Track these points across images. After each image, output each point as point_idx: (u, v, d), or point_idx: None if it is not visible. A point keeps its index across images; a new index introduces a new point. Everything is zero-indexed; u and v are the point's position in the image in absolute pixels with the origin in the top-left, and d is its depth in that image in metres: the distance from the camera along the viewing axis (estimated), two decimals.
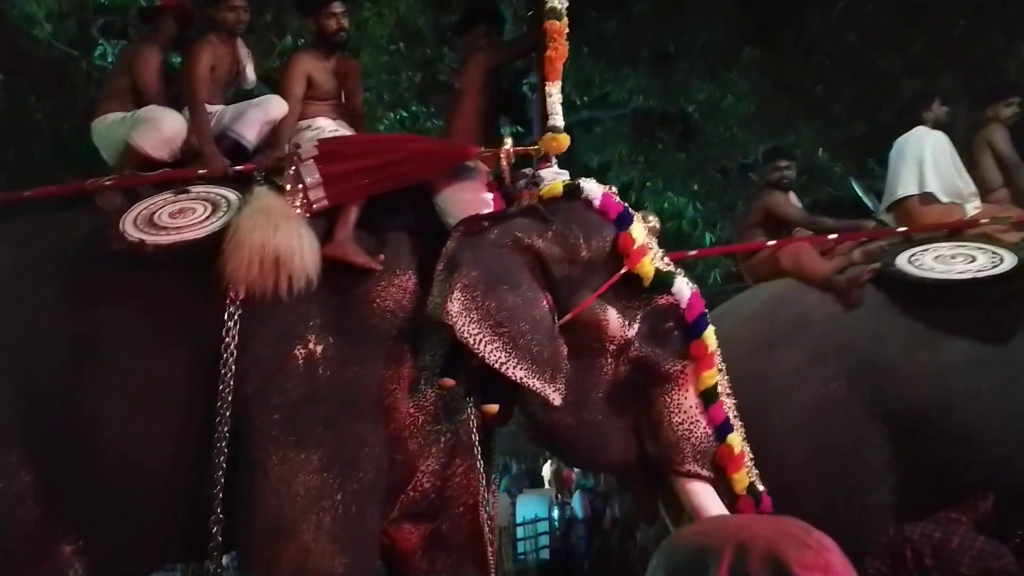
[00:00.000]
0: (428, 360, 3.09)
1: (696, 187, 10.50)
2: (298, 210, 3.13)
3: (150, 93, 3.57)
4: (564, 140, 3.34)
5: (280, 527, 2.88)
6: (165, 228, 3.09)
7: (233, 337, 2.92)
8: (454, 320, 2.87)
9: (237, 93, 3.94)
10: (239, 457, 2.93)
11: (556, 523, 10.71)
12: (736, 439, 3.16)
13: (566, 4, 3.43)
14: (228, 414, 2.89)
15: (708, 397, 3.16)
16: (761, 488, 3.19)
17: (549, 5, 3.39)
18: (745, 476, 3.14)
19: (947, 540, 3.02)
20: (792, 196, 4.97)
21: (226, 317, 2.93)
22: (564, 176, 3.34)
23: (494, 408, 3.10)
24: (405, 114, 9.24)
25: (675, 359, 3.16)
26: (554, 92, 3.37)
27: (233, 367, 2.90)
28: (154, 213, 3.15)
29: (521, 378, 2.90)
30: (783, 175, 4.93)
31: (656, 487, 3.25)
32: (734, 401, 3.27)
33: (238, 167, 3.41)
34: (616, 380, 3.15)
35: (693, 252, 5.64)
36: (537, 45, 3.54)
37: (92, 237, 3.15)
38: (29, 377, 2.97)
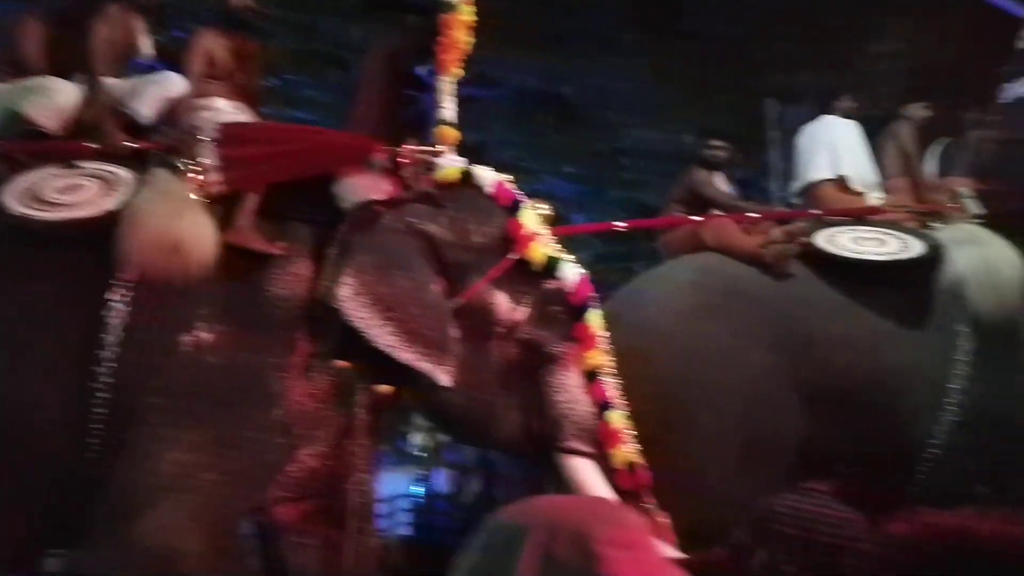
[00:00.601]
0: (323, 346, 3.13)
1: (572, 170, 10.64)
2: (196, 193, 3.06)
3: (34, 64, 3.45)
4: (452, 134, 3.45)
5: (140, 501, 2.84)
6: (53, 204, 2.96)
7: (119, 321, 2.86)
8: (344, 304, 2.96)
9: (132, 69, 3.75)
10: (116, 439, 2.92)
11: (418, 500, 10.73)
12: (616, 416, 3.37)
13: None
14: (106, 398, 2.86)
15: (591, 376, 3.36)
16: (639, 462, 3.37)
17: None
18: (623, 451, 3.34)
19: (807, 510, 3.13)
20: (720, 177, 5.11)
21: (115, 300, 2.87)
22: (460, 163, 3.43)
23: (388, 389, 3.20)
24: (279, 82, 8.89)
25: (561, 341, 3.33)
26: (445, 85, 3.47)
27: (117, 351, 2.85)
28: (39, 187, 3.01)
29: (410, 360, 3.01)
30: (713, 154, 5.06)
31: (543, 462, 3.41)
32: (667, 373, 3.62)
33: (134, 144, 3.29)
34: (505, 361, 3.31)
35: (622, 224, 5.70)
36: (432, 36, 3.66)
37: None
38: None
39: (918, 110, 5.45)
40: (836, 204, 4.90)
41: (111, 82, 3.46)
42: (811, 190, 5.10)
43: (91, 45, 3.35)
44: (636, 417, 3.94)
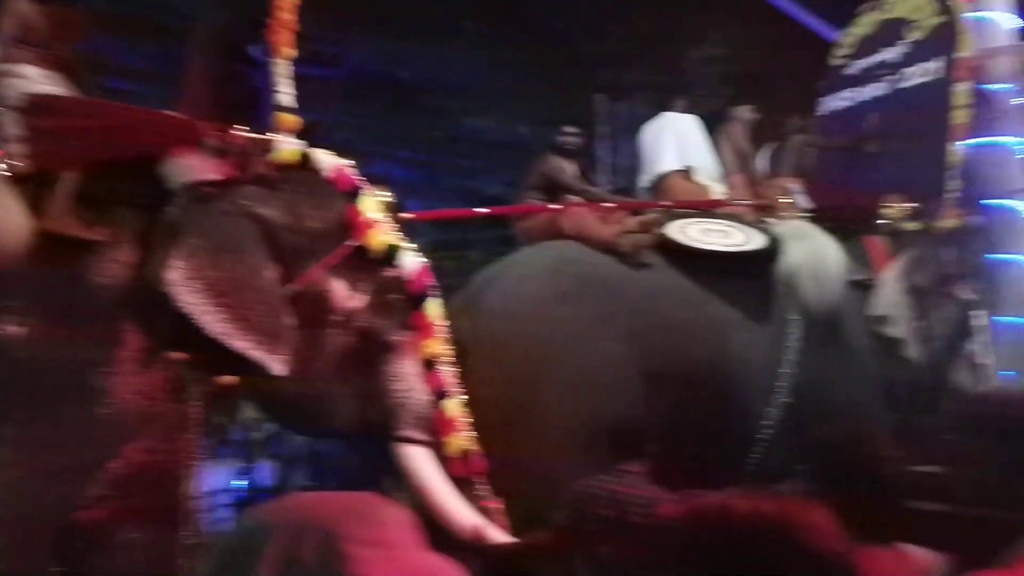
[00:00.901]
0: (154, 336, 2.92)
1: (407, 155, 10.54)
2: (2, 170, 2.76)
3: None
4: (290, 120, 3.28)
5: None
6: None
7: None
8: (174, 289, 2.79)
9: None
10: None
11: (240, 493, 10.32)
12: (452, 405, 3.34)
13: None
14: None
15: (428, 365, 3.32)
16: (473, 449, 3.37)
17: None
18: (459, 439, 3.32)
19: (619, 490, 3.21)
20: (573, 165, 5.11)
21: None
22: (297, 145, 3.28)
23: (232, 380, 3.04)
24: (94, 48, 8.21)
25: (398, 330, 3.27)
26: (278, 67, 3.30)
27: None
28: None
29: (245, 349, 2.86)
30: (567, 141, 5.02)
31: (379, 452, 3.34)
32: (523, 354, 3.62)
33: None
34: (341, 350, 3.19)
35: (483, 210, 5.61)
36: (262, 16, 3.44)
37: None
38: None
39: (746, 112, 5.80)
40: (684, 195, 5.10)
41: None
42: (660, 182, 5.29)
43: None
44: (491, 400, 3.96)
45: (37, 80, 3.13)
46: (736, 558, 1.00)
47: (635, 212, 4.95)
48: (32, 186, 2.83)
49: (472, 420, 3.84)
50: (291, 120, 3.29)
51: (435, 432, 3.29)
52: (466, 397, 3.57)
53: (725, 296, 4.36)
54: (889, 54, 6.17)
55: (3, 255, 2.67)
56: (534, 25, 10.73)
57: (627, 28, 10.95)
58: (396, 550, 0.83)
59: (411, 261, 3.33)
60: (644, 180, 5.46)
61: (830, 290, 4.55)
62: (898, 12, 6.20)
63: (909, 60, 6.00)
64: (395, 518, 0.87)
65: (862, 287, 4.74)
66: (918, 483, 1.69)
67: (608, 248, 4.44)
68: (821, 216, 5.08)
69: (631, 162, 7.10)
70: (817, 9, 8.78)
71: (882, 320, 4.70)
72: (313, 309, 3.11)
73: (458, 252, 7.44)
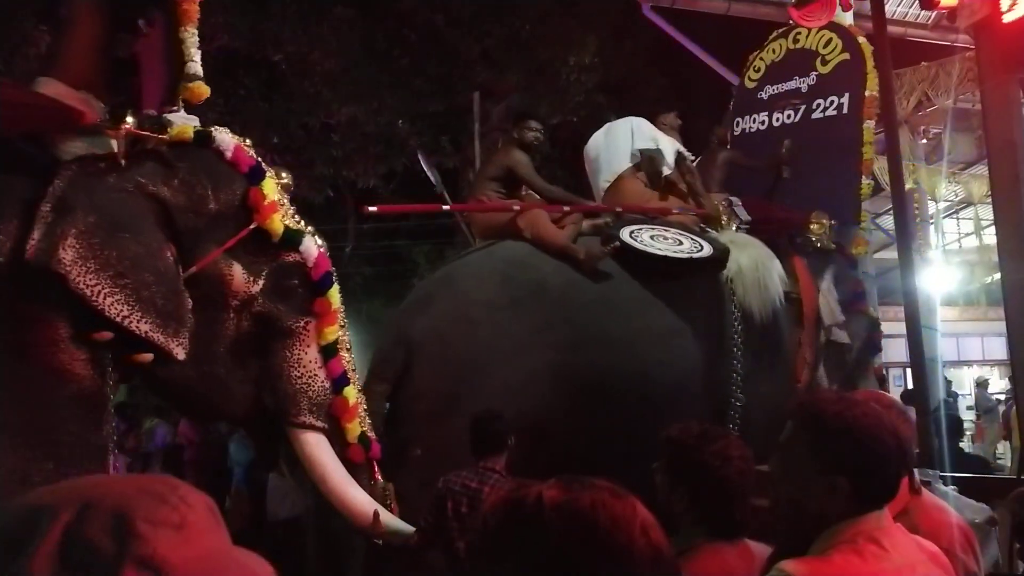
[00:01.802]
0: (60, 317, 2.69)
1: (276, 139, 10.24)
2: None
3: None
4: (203, 89, 3.10)
5: None
6: None
7: None
8: (67, 269, 2.60)
9: None
10: None
11: None
12: (351, 391, 3.30)
13: None
14: None
15: (328, 352, 3.26)
16: (371, 435, 3.37)
17: None
18: (357, 425, 3.30)
19: (480, 488, 3.23)
20: (531, 159, 5.01)
21: None
22: (193, 121, 3.09)
23: (147, 357, 2.83)
24: None
25: (298, 315, 3.21)
26: (189, 36, 3.09)
27: None
28: None
29: (145, 332, 2.74)
30: (534, 136, 4.93)
31: (275, 438, 3.30)
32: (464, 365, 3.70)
33: None
34: (239, 334, 3.13)
35: (447, 206, 5.48)
36: None
37: None
38: None
39: (674, 119, 5.84)
40: (635, 198, 5.14)
41: None
42: (616, 183, 5.36)
43: None
44: (427, 392, 4.05)
45: None
46: (546, 549, 0.96)
47: (588, 214, 5.00)
48: None
49: (408, 409, 3.88)
50: (201, 89, 3.11)
51: (335, 418, 3.25)
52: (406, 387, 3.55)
53: (673, 303, 4.46)
54: (798, 83, 6.59)
55: None
56: (411, 19, 10.67)
57: (506, 30, 11.06)
58: (192, 531, 0.79)
59: (312, 246, 3.24)
60: (600, 181, 5.50)
61: (771, 298, 4.78)
62: (807, 43, 6.61)
63: (818, 92, 6.43)
64: (193, 500, 0.82)
65: (791, 300, 5.01)
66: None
67: (561, 253, 4.49)
68: (756, 228, 5.35)
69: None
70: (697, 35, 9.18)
71: (834, 326, 5.07)
72: (211, 292, 3.01)
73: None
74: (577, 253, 4.50)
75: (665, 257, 4.51)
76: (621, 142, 5.51)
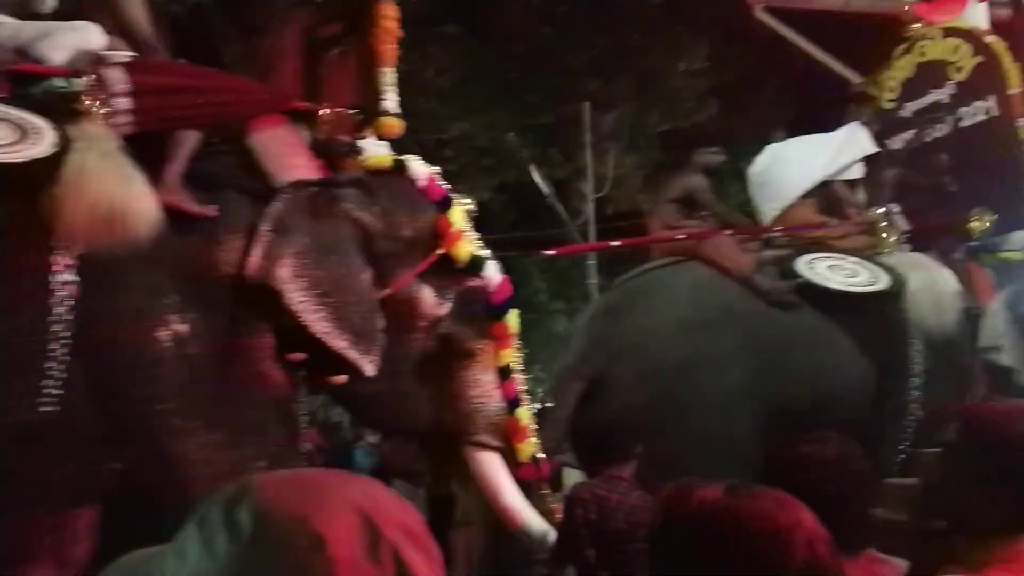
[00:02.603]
0: (273, 331, 2.92)
1: None
2: (112, 136, 2.64)
3: None
4: (398, 125, 3.32)
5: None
6: None
7: (70, 293, 2.49)
8: (284, 286, 2.80)
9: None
10: (135, 445, 2.62)
11: None
12: (524, 412, 3.45)
13: None
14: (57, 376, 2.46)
15: (503, 373, 3.41)
16: (541, 456, 3.51)
17: None
18: (529, 446, 3.43)
19: (609, 497, 3.28)
20: (709, 183, 5.20)
21: (57, 270, 2.48)
22: (384, 148, 3.33)
23: (342, 379, 3.06)
24: None
25: (478, 338, 3.36)
26: (386, 75, 3.32)
27: (73, 328, 2.48)
28: None
29: (343, 348, 2.91)
30: (710, 160, 5.11)
31: (450, 455, 3.46)
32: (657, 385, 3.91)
33: (22, 68, 2.80)
34: (424, 354, 3.29)
35: (616, 242, 5.72)
36: (354, 16, 3.46)
37: None
38: None
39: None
40: (810, 230, 5.19)
41: (18, 22, 2.95)
42: (787, 213, 5.42)
43: None
44: (629, 408, 4.19)
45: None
46: (703, 553, 0.96)
47: (757, 237, 5.15)
48: (143, 158, 2.73)
49: (614, 421, 4.05)
50: (395, 125, 3.33)
51: (507, 438, 3.38)
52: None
53: (852, 333, 4.57)
54: (937, 96, 6.39)
55: (138, 239, 2.55)
56: (518, 33, 10.80)
57: (614, 40, 11.05)
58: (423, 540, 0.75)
59: (494, 272, 3.43)
60: (768, 206, 5.56)
61: (949, 318, 4.76)
62: (934, 55, 6.41)
63: (960, 101, 6.19)
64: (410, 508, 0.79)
65: (971, 315, 4.90)
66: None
67: (745, 283, 4.62)
68: (919, 237, 5.27)
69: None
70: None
71: (992, 349, 4.90)
72: (402, 313, 3.19)
73: None
74: (760, 286, 4.63)
75: (846, 292, 4.64)
76: (792, 171, 5.52)
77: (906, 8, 6.84)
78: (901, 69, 6.72)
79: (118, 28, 3.05)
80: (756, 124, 13.18)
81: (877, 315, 4.68)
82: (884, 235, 5.19)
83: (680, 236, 4.91)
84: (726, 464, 3.60)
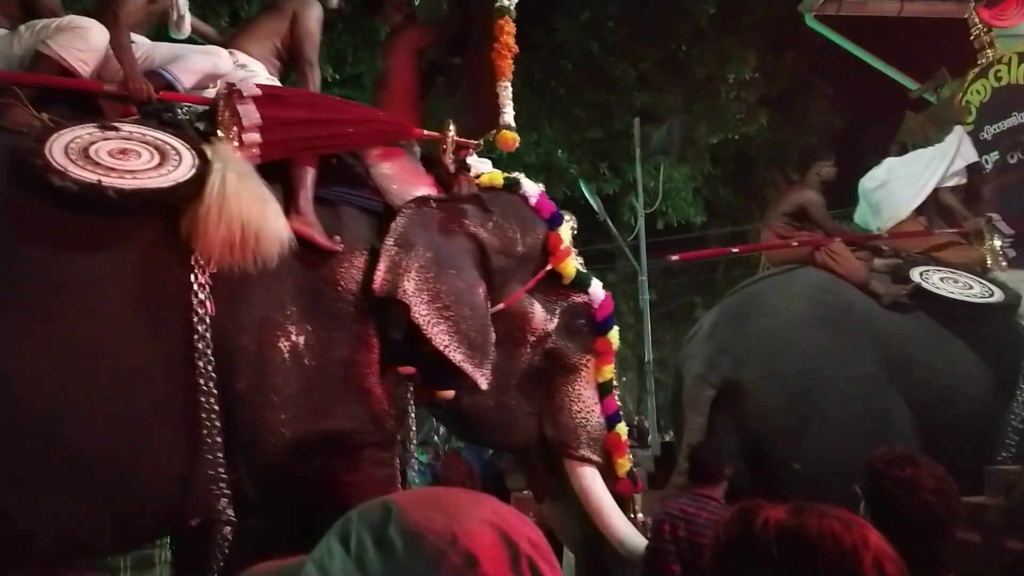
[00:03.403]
0: (380, 343, 3.00)
1: None
2: (247, 162, 2.78)
3: (46, 3, 2.99)
4: (515, 138, 3.37)
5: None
6: (111, 168, 2.58)
7: (206, 313, 2.59)
8: (410, 299, 2.88)
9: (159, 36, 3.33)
10: (239, 450, 2.71)
11: None
12: (623, 428, 3.52)
13: (515, 1, 3.43)
14: (213, 401, 2.58)
15: (604, 389, 3.48)
16: (637, 471, 3.62)
17: (498, 3, 3.39)
18: (627, 461, 3.51)
19: (698, 514, 3.28)
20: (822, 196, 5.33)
21: (196, 290, 2.59)
22: (486, 165, 3.44)
23: (450, 394, 3.13)
24: None
25: (582, 353, 3.42)
26: (503, 89, 3.39)
27: (209, 352, 2.58)
28: (87, 147, 2.63)
29: (460, 361, 2.96)
30: (827, 174, 5.24)
31: (549, 467, 3.49)
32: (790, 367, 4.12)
33: (165, 95, 2.94)
34: (530, 368, 3.35)
35: (735, 249, 5.92)
36: (466, 32, 3.60)
37: (16, 162, 2.53)
38: None
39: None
40: (919, 243, 5.25)
41: (140, 40, 3.08)
42: (897, 227, 5.50)
43: None
44: (766, 408, 4.33)
45: (261, 75, 3.16)
46: (769, 572, 0.97)
47: (866, 244, 5.26)
48: (274, 180, 2.87)
49: (754, 428, 4.19)
50: (513, 137, 3.37)
51: (607, 452, 3.44)
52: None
53: (968, 340, 4.67)
54: (1019, 118, 6.36)
55: (270, 257, 2.67)
56: (567, 49, 10.83)
57: (662, 52, 11.00)
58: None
59: (598, 288, 3.49)
60: (878, 220, 5.65)
61: None
62: (1011, 78, 6.41)
63: None
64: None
65: None
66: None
67: (862, 286, 4.75)
68: (1020, 241, 5.37)
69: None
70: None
71: None
72: (513, 328, 3.25)
73: None
74: (877, 288, 4.74)
75: (962, 301, 4.75)
76: (904, 187, 5.57)
77: (967, 15, 6.71)
78: (977, 93, 6.70)
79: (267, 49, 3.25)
80: (808, 134, 13.05)
81: (990, 327, 4.76)
82: (989, 242, 5.25)
83: (795, 243, 5.05)
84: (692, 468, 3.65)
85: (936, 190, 5.49)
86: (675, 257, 5.42)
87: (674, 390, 4.91)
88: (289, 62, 3.34)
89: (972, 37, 6.32)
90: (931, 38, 6.95)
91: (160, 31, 3.40)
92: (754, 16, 11.32)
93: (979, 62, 6.55)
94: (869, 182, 5.80)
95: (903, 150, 5.95)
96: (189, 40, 3.38)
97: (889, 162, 5.78)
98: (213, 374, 2.59)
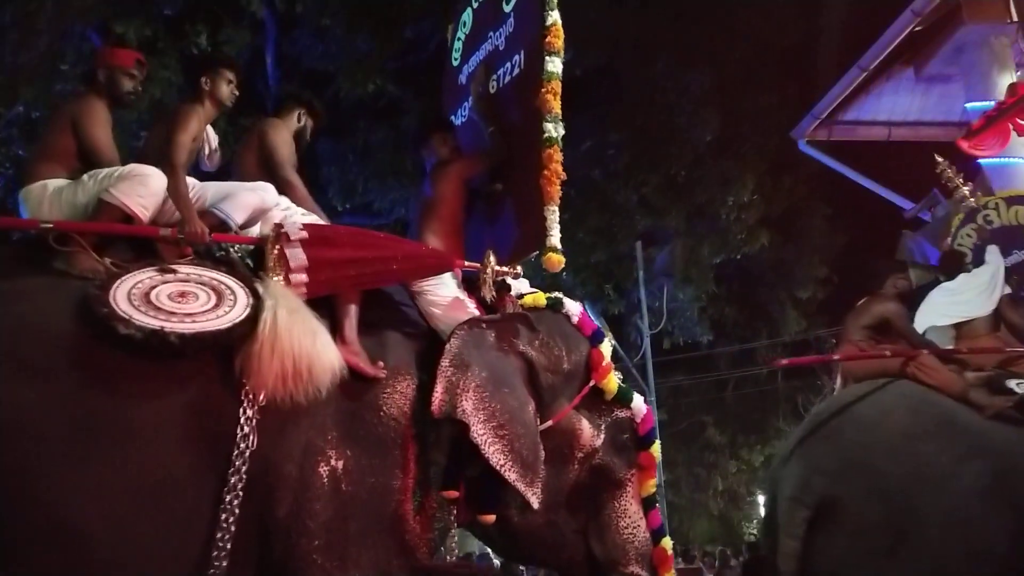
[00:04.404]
0: (421, 468, 3.04)
1: None
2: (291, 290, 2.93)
3: (106, 154, 3.13)
4: (562, 260, 3.53)
5: None
6: (171, 313, 2.70)
7: (248, 447, 2.67)
8: (469, 418, 2.91)
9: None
10: None
11: None
12: (668, 541, 3.50)
13: (561, 132, 3.65)
14: (228, 535, 2.62)
15: (648, 503, 3.51)
16: None
17: (547, 134, 3.61)
18: (673, 575, 3.50)
19: None
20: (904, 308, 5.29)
21: (242, 423, 2.68)
22: (526, 284, 3.56)
23: (491, 518, 3.13)
24: None
25: (627, 468, 3.44)
26: (551, 213, 3.57)
27: (240, 486, 2.64)
28: (148, 291, 2.77)
29: (514, 480, 2.95)
30: (902, 287, 5.23)
31: None
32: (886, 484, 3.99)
33: (217, 237, 3.07)
34: (576, 485, 3.35)
35: (835, 356, 5.87)
36: (509, 159, 3.83)
37: (83, 310, 2.66)
38: (14, 462, 2.49)
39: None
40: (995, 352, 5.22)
41: (199, 182, 3.23)
42: (967, 330, 5.45)
43: (182, 137, 3.16)
44: (867, 526, 4.21)
45: (296, 211, 3.29)
46: None
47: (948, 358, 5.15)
48: (322, 312, 2.97)
49: (851, 544, 4.05)
50: (559, 259, 3.51)
51: (654, 567, 3.43)
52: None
53: None
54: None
55: (320, 388, 2.75)
56: (569, 176, 11.16)
57: (662, 178, 11.34)
58: None
59: (640, 402, 3.54)
60: (950, 323, 5.66)
61: None
62: (1005, 220, 6.39)
63: None
64: None
65: None
66: None
67: (961, 398, 4.63)
68: None
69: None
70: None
71: None
72: (561, 445, 3.27)
73: None
74: (979, 399, 4.64)
75: None
76: (975, 297, 5.53)
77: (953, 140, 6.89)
78: (968, 237, 6.75)
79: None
80: (809, 252, 13.27)
81: None
82: None
83: (887, 352, 4.91)
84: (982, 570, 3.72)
85: (999, 307, 5.44)
86: (784, 362, 5.34)
87: (767, 514, 4.79)
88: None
89: (942, 178, 6.44)
90: (920, 159, 7.17)
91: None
92: (751, 142, 11.74)
93: (960, 205, 6.64)
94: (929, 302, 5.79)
95: (902, 267, 6.01)
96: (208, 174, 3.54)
97: (943, 287, 5.72)
98: (236, 510, 2.63)
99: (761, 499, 23.79)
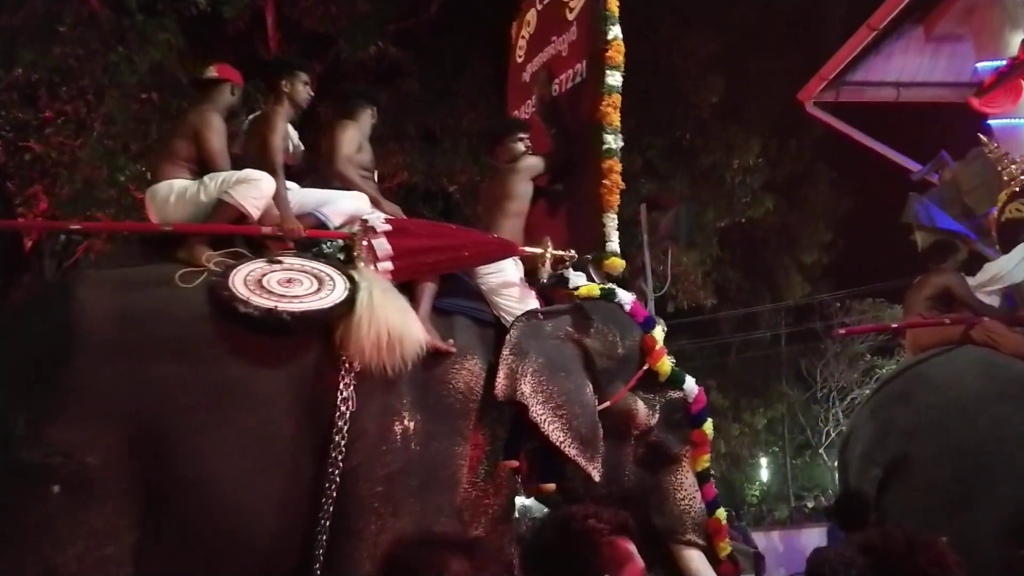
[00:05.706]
0: (485, 439, 3.42)
1: None
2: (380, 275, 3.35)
3: (220, 160, 3.54)
4: (621, 263, 3.91)
5: None
6: (281, 295, 3.14)
7: (348, 409, 3.08)
8: (528, 400, 3.30)
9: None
10: (339, 526, 3.08)
11: None
12: (722, 513, 3.81)
13: (620, 144, 4.01)
14: (335, 485, 3.05)
15: (702, 477, 3.79)
16: (737, 555, 3.85)
17: (606, 146, 3.96)
18: (727, 545, 3.78)
19: (855, 557, 3.33)
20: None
21: (342, 388, 3.09)
22: (582, 277, 3.82)
23: (551, 487, 3.52)
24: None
25: (681, 444, 3.74)
26: (610, 220, 3.93)
27: (343, 443, 3.06)
28: (260, 278, 3.21)
29: (574, 455, 3.34)
30: (961, 260, 5.30)
31: (656, 555, 3.63)
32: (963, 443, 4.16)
33: (312, 234, 3.49)
34: (634, 461, 3.67)
35: (894, 324, 5.81)
36: (570, 162, 4.14)
37: (208, 293, 3.11)
38: (148, 429, 2.93)
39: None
40: None
41: (301, 188, 3.65)
42: None
43: (275, 141, 3.54)
44: (938, 484, 4.26)
45: (364, 209, 3.64)
46: None
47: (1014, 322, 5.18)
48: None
49: (919, 500, 4.17)
50: (619, 263, 3.88)
51: (709, 537, 3.70)
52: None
53: None
54: None
55: (407, 360, 3.13)
56: None
57: (667, 141, 11.25)
58: None
59: (692, 384, 3.80)
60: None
61: None
62: None
63: None
64: None
65: None
66: None
67: None
68: None
69: None
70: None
71: None
72: (618, 424, 3.58)
73: None
74: None
75: None
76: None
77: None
78: (1018, 211, 6.59)
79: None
80: (814, 216, 13.20)
81: None
82: None
83: (947, 320, 4.99)
84: None
85: None
86: (842, 332, 5.04)
87: (840, 474, 4.88)
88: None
89: (1003, 175, 6.33)
90: (930, 122, 7.09)
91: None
92: (756, 106, 11.62)
93: (1009, 183, 6.49)
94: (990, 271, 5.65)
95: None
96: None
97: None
98: (341, 463, 3.04)
99: (764, 461, 24.14)
